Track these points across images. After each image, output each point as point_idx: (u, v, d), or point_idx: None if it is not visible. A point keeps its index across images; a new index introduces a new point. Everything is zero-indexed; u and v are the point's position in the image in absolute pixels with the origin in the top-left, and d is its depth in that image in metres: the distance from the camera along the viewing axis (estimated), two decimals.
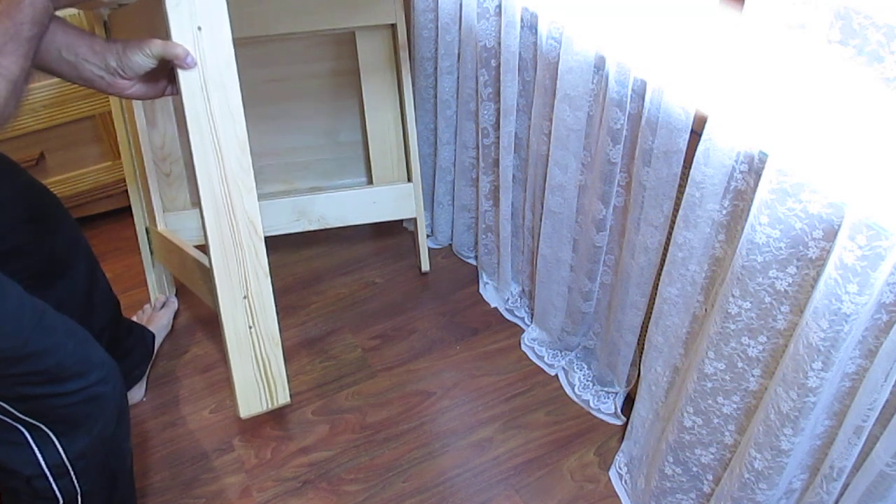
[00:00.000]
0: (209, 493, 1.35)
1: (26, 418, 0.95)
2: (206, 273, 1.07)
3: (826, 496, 0.91)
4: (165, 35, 0.91)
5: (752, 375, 0.99)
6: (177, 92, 0.97)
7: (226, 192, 0.99)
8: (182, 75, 0.93)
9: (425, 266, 1.80)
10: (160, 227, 1.59)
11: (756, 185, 0.88)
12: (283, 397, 1.11)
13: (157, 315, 1.65)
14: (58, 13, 0.88)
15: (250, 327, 1.06)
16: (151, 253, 1.67)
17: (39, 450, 0.97)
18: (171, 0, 0.89)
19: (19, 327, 0.88)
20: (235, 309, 1.04)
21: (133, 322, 1.52)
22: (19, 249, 1.16)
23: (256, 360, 1.08)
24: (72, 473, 1.00)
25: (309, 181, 1.82)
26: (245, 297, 1.04)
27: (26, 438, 0.96)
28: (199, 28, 0.91)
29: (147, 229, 1.65)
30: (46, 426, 0.96)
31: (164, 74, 0.98)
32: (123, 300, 1.74)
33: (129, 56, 0.91)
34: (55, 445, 0.97)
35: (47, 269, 1.22)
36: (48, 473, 0.98)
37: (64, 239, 1.25)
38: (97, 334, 1.24)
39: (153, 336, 1.56)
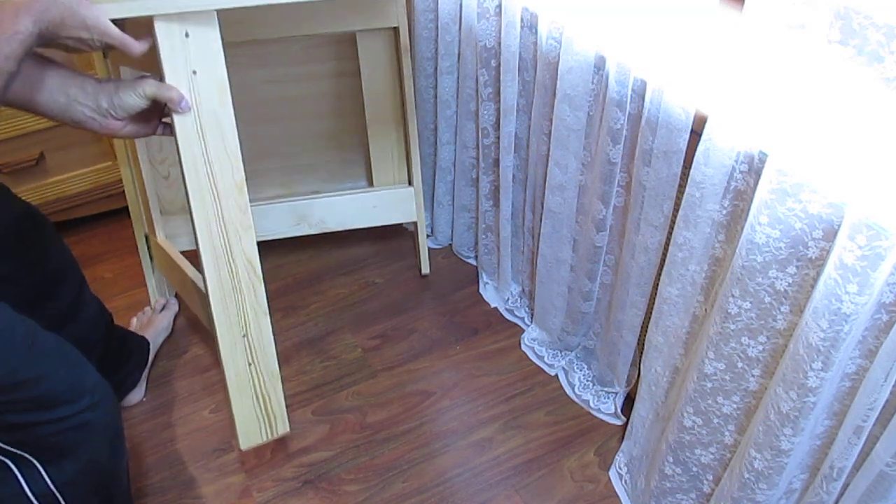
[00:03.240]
0: (209, 493, 1.35)
1: (11, 449, 0.92)
2: (204, 298, 1.06)
3: (826, 496, 0.91)
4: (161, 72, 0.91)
5: (752, 375, 0.99)
6: (171, 132, 0.95)
7: (223, 234, 0.98)
8: (177, 118, 0.92)
9: (425, 269, 1.80)
10: (159, 238, 1.58)
11: (756, 185, 0.88)
12: (282, 428, 1.12)
13: (158, 317, 1.64)
14: (46, 52, 0.87)
15: (249, 364, 1.06)
16: (151, 259, 1.66)
17: (25, 480, 0.93)
18: (165, 44, 0.88)
19: (9, 355, 0.85)
20: (235, 347, 1.04)
21: (127, 331, 1.50)
22: (9, 278, 1.13)
23: (256, 395, 1.09)
24: (61, 501, 0.96)
25: (309, 185, 1.82)
26: (244, 336, 1.04)
27: (12, 471, 0.92)
28: (195, 72, 0.90)
29: (146, 236, 1.64)
30: (32, 455, 0.93)
31: (157, 112, 0.96)
32: (123, 300, 1.75)
33: (121, 97, 0.89)
34: (41, 474, 0.94)
35: (37, 292, 1.20)
36: (35, 503, 0.95)
37: (54, 262, 1.23)
38: (89, 349, 1.22)
39: (148, 343, 1.54)
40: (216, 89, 0.92)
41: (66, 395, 0.93)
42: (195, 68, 0.90)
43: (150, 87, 0.90)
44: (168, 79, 0.90)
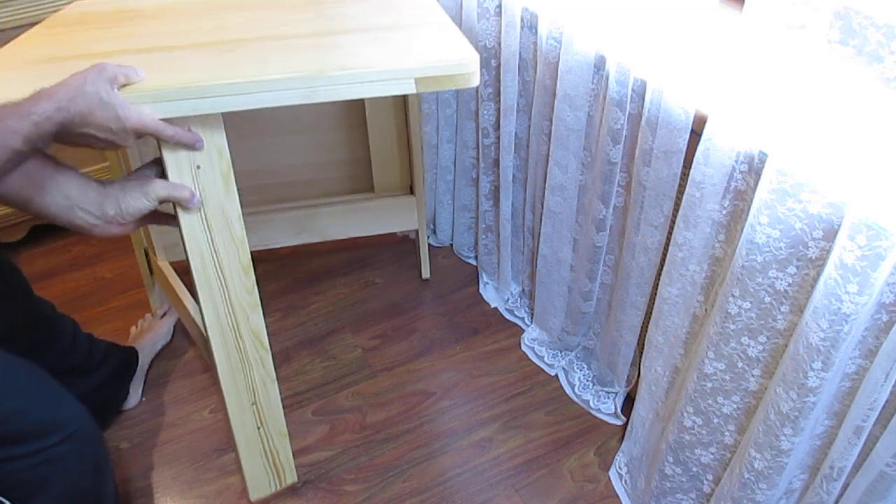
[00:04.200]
0: (209, 493, 1.34)
1: None
2: (206, 341, 1.07)
3: (826, 496, 0.91)
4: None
5: (752, 375, 0.99)
6: (175, 223, 0.93)
7: (231, 315, 0.99)
8: (182, 212, 0.90)
9: (426, 273, 1.80)
10: (159, 260, 1.56)
11: (756, 185, 0.88)
12: (290, 478, 1.15)
13: (158, 323, 1.64)
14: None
15: (258, 427, 1.09)
16: (151, 273, 1.64)
17: None
18: (168, 143, 0.87)
19: None
20: (243, 414, 1.06)
21: (110, 346, 1.45)
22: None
23: (265, 452, 1.11)
24: None
25: (310, 199, 1.80)
26: (253, 404, 1.07)
27: None
28: (198, 167, 0.89)
29: (146, 252, 1.62)
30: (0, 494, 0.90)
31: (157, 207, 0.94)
32: (123, 300, 1.75)
33: (129, 201, 0.86)
34: None
35: (9, 335, 1.16)
36: None
37: (24, 308, 1.20)
38: (66, 371, 1.22)
39: (135, 352, 1.51)
40: (221, 180, 0.91)
41: (37, 428, 0.90)
42: (199, 163, 0.89)
43: (161, 190, 0.87)
44: (171, 175, 0.89)
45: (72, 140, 0.81)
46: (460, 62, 0.87)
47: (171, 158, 0.88)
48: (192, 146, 0.88)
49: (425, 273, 1.80)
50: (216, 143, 0.89)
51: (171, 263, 1.60)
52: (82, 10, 1.18)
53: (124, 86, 0.81)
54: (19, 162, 0.77)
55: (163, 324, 1.64)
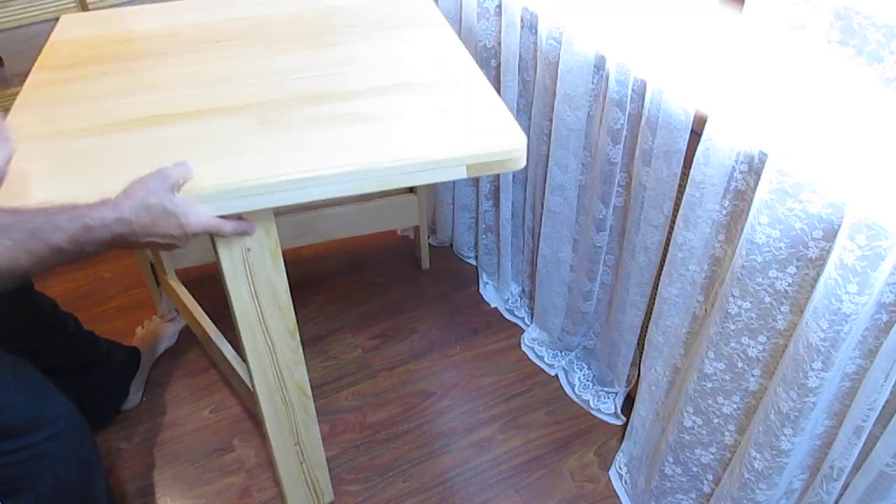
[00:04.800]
0: (209, 493, 1.35)
1: None
2: (253, 394, 1.11)
3: (826, 496, 0.91)
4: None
5: (752, 375, 0.99)
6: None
7: (277, 373, 1.04)
8: (231, 284, 0.94)
9: (425, 264, 1.81)
10: (169, 278, 1.56)
11: (756, 185, 0.87)
12: (328, 498, 1.24)
13: (164, 326, 1.63)
14: None
15: (301, 462, 1.16)
16: (158, 284, 1.63)
17: None
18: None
19: None
20: (288, 454, 1.14)
21: (113, 344, 1.45)
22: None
23: (306, 482, 1.20)
24: None
25: (314, 202, 1.80)
26: (296, 444, 1.14)
27: None
28: (249, 249, 0.92)
29: (152, 265, 1.60)
30: None
31: None
32: (124, 300, 1.75)
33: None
34: None
35: (9, 331, 1.18)
36: None
37: (25, 305, 1.21)
38: (66, 369, 1.23)
39: (137, 353, 1.51)
40: (270, 257, 0.94)
41: (23, 426, 0.91)
42: (250, 246, 0.92)
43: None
44: (223, 259, 0.92)
45: (132, 247, 0.81)
46: (511, 148, 0.88)
47: (222, 242, 0.90)
48: (246, 234, 0.90)
49: (425, 264, 1.82)
50: (265, 227, 0.91)
51: (177, 271, 1.60)
52: (77, 38, 1.18)
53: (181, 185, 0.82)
54: (61, 261, 0.75)
55: (168, 327, 1.63)
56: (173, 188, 0.80)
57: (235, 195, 0.82)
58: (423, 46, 1.12)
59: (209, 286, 1.58)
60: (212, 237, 0.89)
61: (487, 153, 0.87)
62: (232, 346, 1.40)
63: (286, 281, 0.97)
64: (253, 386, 1.06)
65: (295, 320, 1.01)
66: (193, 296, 1.52)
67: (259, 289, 0.96)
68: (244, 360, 1.05)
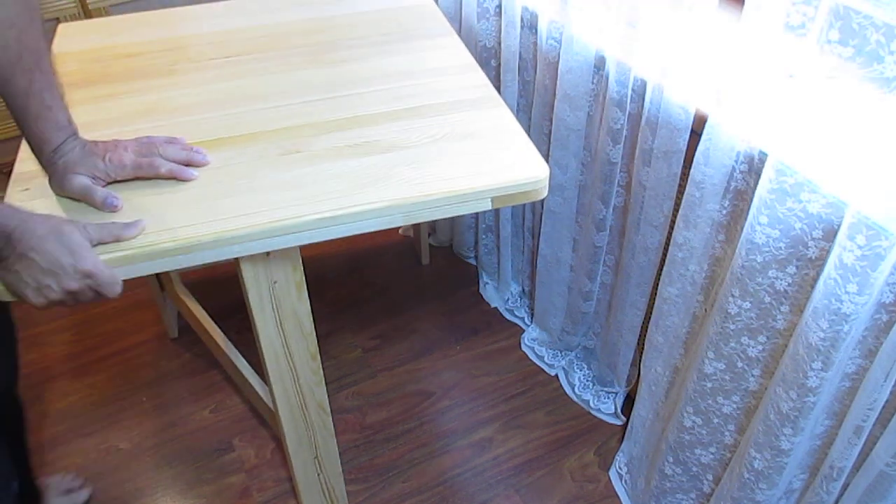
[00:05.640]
0: (209, 493, 1.35)
1: None
2: (274, 415, 1.14)
3: (826, 496, 0.91)
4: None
5: (752, 375, 0.99)
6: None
7: (299, 394, 1.07)
8: (257, 314, 0.95)
9: (425, 259, 1.82)
10: (178, 289, 1.54)
11: (756, 185, 0.88)
12: None
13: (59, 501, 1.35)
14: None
15: (319, 474, 1.20)
16: (162, 289, 1.60)
17: None
18: (248, 265, 0.90)
19: None
20: (307, 466, 1.18)
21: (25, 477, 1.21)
22: None
23: (323, 492, 1.23)
24: None
25: None
26: (315, 458, 1.18)
27: None
28: (275, 282, 0.93)
29: (158, 276, 1.57)
30: None
31: None
32: (124, 300, 1.75)
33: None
34: None
35: None
36: None
37: None
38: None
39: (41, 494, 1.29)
40: (295, 289, 0.96)
41: None
42: (276, 279, 0.93)
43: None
44: (250, 291, 0.93)
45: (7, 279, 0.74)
46: (537, 179, 0.89)
47: (249, 273, 0.91)
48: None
49: (424, 259, 1.83)
50: (292, 261, 0.93)
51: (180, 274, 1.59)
52: (81, 51, 1.18)
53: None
54: None
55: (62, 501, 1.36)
56: (92, 240, 0.77)
57: (263, 236, 0.83)
58: (433, 63, 1.13)
59: (209, 288, 1.59)
60: (239, 269, 0.90)
61: (513, 185, 0.89)
62: (237, 350, 1.42)
63: (309, 310, 0.99)
64: (276, 407, 1.08)
65: (317, 345, 1.03)
66: (195, 297, 1.52)
67: (284, 318, 0.97)
68: (267, 383, 1.08)
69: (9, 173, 1.16)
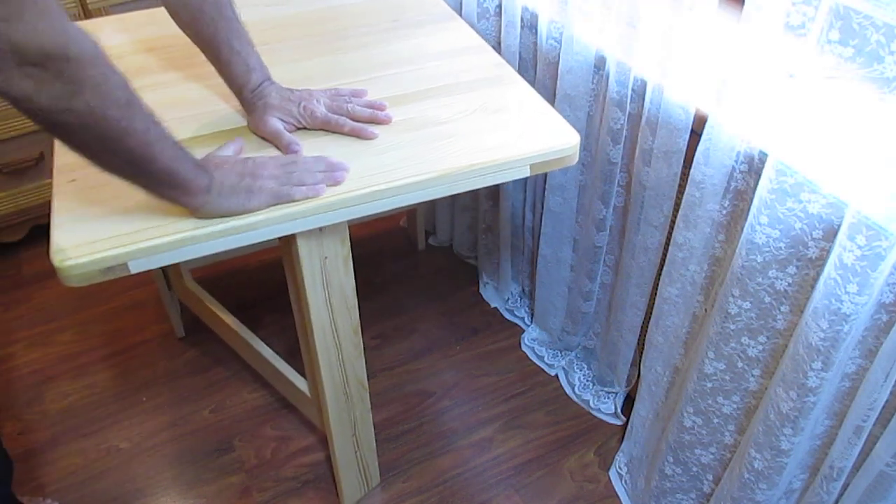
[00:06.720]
0: (209, 493, 1.35)
1: None
2: (318, 394, 1.18)
3: (826, 496, 0.91)
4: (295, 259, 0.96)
5: (752, 375, 0.99)
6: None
7: (342, 367, 1.11)
8: (310, 290, 0.99)
9: (421, 245, 1.87)
10: (189, 285, 1.54)
11: (756, 185, 0.88)
12: (375, 481, 1.34)
13: None
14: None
15: (356, 451, 1.24)
16: (169, 288, 1.59)
17: None
18: (303, 241, 0.94)
19: None
20: (345, 444, 1.22)
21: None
22: None
23: (359, 467, 1.28)
24: None
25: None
26: (353, 435, 1.21)
27: None
28: (326, 258, 0.97)
29: (164, 270, 1.56)
30: None
31: None
32: (124, 300, 1.75)
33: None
34: None
35: None
36: None
37: None
38: None
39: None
40: (342, 264, 1.00)
41: None
42: (327, 255, 0.97)
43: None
44: (304, 268, 0.96)
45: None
46: (568, 145, 0.96)
47: (304, 250, 0.94)
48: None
49: (420, 245, 1.87)
50: (340, 235, 0.96)
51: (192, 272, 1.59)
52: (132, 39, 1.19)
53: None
54: (132, 157, 0.73)
55: None
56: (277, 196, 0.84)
57: (317, 211, 0.86)
58: (447, 45, 1.16)
59: (210, 288, 1.58)
60: (294, 247, 0.93)
61: (548, 151, 0.95)
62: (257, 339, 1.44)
63: (354, 286, 1.03)
64: (321, 385, 1.11)
65: (359, 318, 1.07)
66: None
67: (332, 292, 1.01)
68: (309, 363, 1.11)
69: (9, 173, 1.18)
